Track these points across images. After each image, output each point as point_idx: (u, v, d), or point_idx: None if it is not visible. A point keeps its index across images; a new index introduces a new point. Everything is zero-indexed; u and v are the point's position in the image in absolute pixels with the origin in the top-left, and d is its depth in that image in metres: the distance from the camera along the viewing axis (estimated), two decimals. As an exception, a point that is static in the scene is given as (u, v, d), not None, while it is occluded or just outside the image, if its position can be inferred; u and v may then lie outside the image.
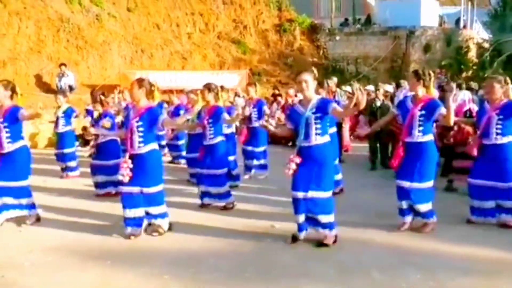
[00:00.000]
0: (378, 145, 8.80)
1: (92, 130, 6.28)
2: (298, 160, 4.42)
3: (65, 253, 4.47)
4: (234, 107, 7.57)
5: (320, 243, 4.50)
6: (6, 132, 5.07)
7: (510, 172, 4.95)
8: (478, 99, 9.55)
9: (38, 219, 5.31)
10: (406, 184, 4.76)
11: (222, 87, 6.67)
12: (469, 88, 8.79)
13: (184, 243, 4.72)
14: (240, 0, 20.59)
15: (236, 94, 14.42)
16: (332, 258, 4.28)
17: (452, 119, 4.65)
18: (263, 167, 7.92)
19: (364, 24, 21.80)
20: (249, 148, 7.81)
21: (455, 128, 6.57)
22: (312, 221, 4.51)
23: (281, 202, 6.00)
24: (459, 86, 8.21)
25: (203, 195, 5.96)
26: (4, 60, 13.60)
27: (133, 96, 4.84)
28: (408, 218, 4.90)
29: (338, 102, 8.85)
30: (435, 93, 4.93)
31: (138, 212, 4.75)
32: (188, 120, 6.52)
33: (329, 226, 4.49)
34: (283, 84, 17.57)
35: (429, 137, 4.78)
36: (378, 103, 8.79)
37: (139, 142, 4.69)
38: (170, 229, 4.94)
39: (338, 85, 10.72)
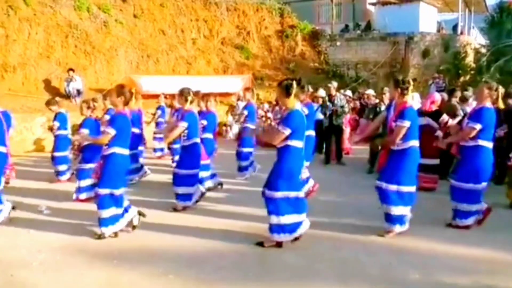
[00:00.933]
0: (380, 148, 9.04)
1: (74, 138, 6.46)
2: None
3: (73, 252, 4.56)
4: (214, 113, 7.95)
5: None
6: None
7: (474, 173, 5.12)
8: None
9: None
10: (383, 184, 4.91)
11: (197, 92, 7.00)
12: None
13: (188, 243, 4.82)
14: (244, 6, 20.88)
15: (239, 98, 14.76)
16: (332, 258, 4.39)
17: (393, 142, 4.85)
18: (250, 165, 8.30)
19: (364, 30, 22.11)
20: (244, 149, 8.17)
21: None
22: None
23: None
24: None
25: (177, 197, 6.15)
26: (14, 65, 13.84)
27: (111, 102, 5.12)
28: (391, 226, 4.96)
29: (338, 105, 9.31)
30: (410, 101, 5.03)
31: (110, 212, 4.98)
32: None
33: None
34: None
35: (409, 144, 4.85)
36: (383, 107, 8.91)
37: (105, 145, 4.98)
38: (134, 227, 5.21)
39: (338, 89, 11.09)
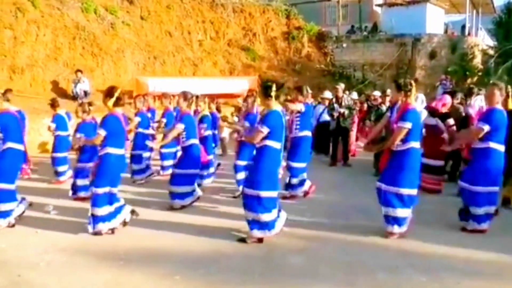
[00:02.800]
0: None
1: (72, 140, 6.61)
2: None
3: (80, 253, 4.59)
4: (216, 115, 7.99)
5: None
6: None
7: (484, 176, 5.06)
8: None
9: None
10: (382, 186, 4.94)
11: (197, 96, 7.11)
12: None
13: (195, 244, 4.85)
14: (250, 8, 20.95)
15: (244, 100, 14.73)
16: (338, 260, 4.39)
17: (392, 143, 4.88)
18: None
19: (371, 31, 22.07)
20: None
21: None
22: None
23: (289, 206, 6.21)
24: (470, 92, 8.25)
25: (173, 196, 6.25)
26: (23, 66, 13.95)
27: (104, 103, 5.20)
28: (390, 227, 4.97)
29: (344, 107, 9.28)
30: (413, 103, 5.05)
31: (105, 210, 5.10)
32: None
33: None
34: (292, 91, 17.88)
35: (409, 145, 4.85)
36: (384, 108, 8.93)
37: (100, 145, 5.14)
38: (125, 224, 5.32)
39: (344, 91, 11.07)
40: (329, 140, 10.46)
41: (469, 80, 18.95)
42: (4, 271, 4.16)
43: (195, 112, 8.04)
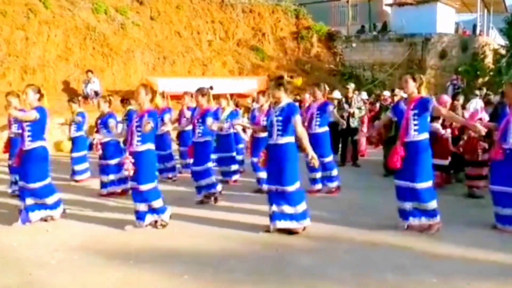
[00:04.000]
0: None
1: (97, 136, 6.66)
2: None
3: (90, 252, 4.61)
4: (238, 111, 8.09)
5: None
6: (28, 131, 5.46)
7: None
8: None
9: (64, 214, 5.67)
10: (406, 184, 4.96)
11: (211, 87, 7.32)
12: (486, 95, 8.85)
13: (205, 244, 4.86)
14: (259, 8, 20.97)
15: (253, 100, 14.77)
16: (348, 260, 4.37)
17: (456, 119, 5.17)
18: None
19: (380, 31, 21.98)
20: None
21: (465, 137, 6.74)
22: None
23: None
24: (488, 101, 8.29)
25: (198, 189, 6.47)
26: (34, 67, 14.11)
27: (138, 100, 5.27)
28: (412, 220, 5.03)
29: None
30: (425, 93, 5.20)
31: (141, 206, 5.20)
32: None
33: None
34: (301, 90, 17.89)
35: (425, 136, 4.96)
36: None
37: (137, 141, 5.16)
38: (170, 217, 5.39)
39: (354, 91, 11.04)
40: (338, 140, 10.42)
41: (480, 80, 18.79)
42: (16, 270, 4.20)
43: (217, 108, 8.15)
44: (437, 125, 7.10)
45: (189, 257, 4.49)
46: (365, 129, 11.10)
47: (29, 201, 5.42)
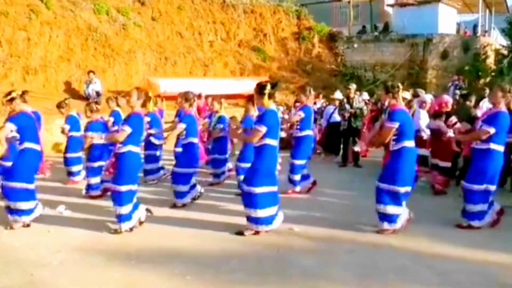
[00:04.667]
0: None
1: (89, 134, 6.73)
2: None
3: (92, 252, 4.63)
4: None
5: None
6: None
7: (482, 175, 5.16)
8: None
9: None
10: (381, 185, 5.11)
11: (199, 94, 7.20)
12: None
13: (205, 244, 4.88)
14: (261, 9, 20.95)
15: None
16: (349, 261, 4.38)
17: (381, 142, 5.16)
18: None
19: (382, 31, 21.96)
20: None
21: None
22: None
23: (300, 205, 6.23)
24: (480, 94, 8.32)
25: (176, 195, 6.39)
26: (36, 67, 14.13)
27: (129, 102, 5.28)
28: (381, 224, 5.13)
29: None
30: (401, 104, 5.22)
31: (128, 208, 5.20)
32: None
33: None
34: (302, 91, 17.89)
35: (402, 145, 5.00)
36: None
37: (119, 143, 5.18)
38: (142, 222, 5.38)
39: (355, 92, 11.03)
40: (339, 140, 10.43)
41: (482, 81, 18.77)
42: (17, 270, 4.21)
43: (211, 113, 8.13)
44: (440, 123, 7.10)
45: (190, 258, 4.50)
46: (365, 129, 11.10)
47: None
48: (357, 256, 4.53)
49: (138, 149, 5.30)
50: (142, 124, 5.40)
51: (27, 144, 5.42)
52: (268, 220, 5.03)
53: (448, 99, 7.88)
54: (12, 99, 5.44)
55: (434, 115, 7.39)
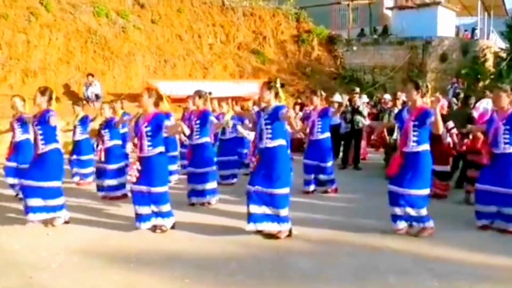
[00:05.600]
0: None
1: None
2: None
3: (91, 255, 4.61)
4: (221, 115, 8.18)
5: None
6: (40, 134, 5.41)
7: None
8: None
9: (66, 222, 5.56)
10: (399, 190, 4.95)
11: (210, 93, 7.32)
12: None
13: (206, 247, 4.85)
14: (260, 12, 20.98)
15: (254, 103, 14.77)
16: (349, 263, 4.36)
17: (440, 127, 4.81)
18: None
19: (381, 34, 21.99)
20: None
21: (470, 137, 6.68)
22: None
23: (299, 207, 6.18)
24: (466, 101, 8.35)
25: (190, 193, 6.46)
26: (35, 70, 14.17)
27: (142, 104, 5.24)
28: (401, 224, 5.04)
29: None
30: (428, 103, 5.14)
31: (146, 209, 5.17)
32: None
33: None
34: (301, 93, 17.92)
35: (424, 147, 4.93)
36: (396, 111, 8.95)
37: (148, 146, 5.13)
38: (173, 227, 5.33)
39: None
40: (339, 143, 10.44)
41: (481, 83, 18.79)
42: (16, 273, 4.19)
43: (219, 114, 8.17)
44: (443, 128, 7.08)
45: (190, 260, 4.49)
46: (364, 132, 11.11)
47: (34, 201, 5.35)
48: (356, 258, 4.52)
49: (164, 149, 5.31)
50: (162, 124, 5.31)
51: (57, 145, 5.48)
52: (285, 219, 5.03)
53: (443, 101, 7.86)
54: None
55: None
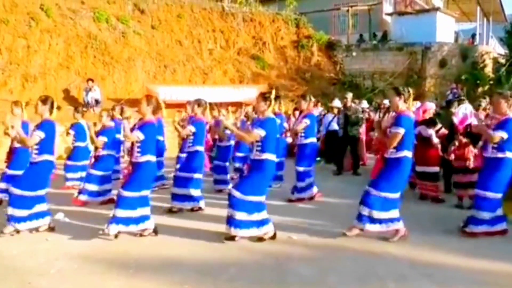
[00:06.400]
0: None
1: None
2: None
3: (90, 261, 4.60)
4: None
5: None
6: (36, 144, 5.37)
7: (494, 183, 5.13)
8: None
9: (51, 228, 5.54)
10: (372, 191, 5.05)
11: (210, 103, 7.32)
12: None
13: (204, 252, 4.86)
14: (260, 17, 21.02)
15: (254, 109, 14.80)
16: (348, 270, 4.36)
17: (389, 142, 4.95)
18: (279, 178, 8.29)
19: (381, 40, 22.06)
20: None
21: (456, 143, 6.73)
22: None
23: (299, 213, 6.24)
24: (460, 101, 8.39)
25: (173, 197, 6.48)
26: (35, 75, 14.19)
27: (140, 110, 5.28)
28: (367, 226, 5.10)
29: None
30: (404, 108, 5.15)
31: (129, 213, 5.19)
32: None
33: None
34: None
35: (402, 154, 4.97)
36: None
37: (137, 152, 5.15)
38: (155, 231, 5.34)
39: (353, 100, 11.12)
40: (335, 148, 10.46)
41: (480, 89, 18.82)
42: (15, 278, 4.18)
43: (217, 121, 8.19)
44: (432, 131, 7.11)
45: (189, 266, 4.48)
46: (364, 137, 11.13)
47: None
48: (355, 264, 4.51)
49: (154, 158, 5.29)
50: (155, 132, 5.36)
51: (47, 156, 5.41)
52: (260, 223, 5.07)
53: (431, 106, 7.91)
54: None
55: (427, 123, 7.34)
